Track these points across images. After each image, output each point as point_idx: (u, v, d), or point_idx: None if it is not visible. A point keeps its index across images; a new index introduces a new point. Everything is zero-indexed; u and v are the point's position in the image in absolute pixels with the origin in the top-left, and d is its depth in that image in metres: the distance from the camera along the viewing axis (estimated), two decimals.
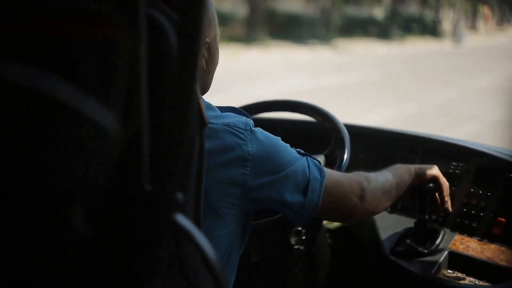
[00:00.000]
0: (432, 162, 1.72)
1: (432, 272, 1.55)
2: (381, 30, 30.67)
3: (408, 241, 1.64)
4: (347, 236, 2.01)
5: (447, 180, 1.56)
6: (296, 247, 1.86)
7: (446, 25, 37.89)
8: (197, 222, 0.71)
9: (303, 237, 1.86)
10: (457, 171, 1.74)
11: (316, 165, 1.25)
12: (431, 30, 35.12)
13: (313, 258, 1.93)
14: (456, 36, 30.65)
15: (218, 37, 1.31)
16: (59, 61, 0.42)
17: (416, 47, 26.20)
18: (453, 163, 1.76)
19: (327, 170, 1.27)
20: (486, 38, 36.62)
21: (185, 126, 0.52)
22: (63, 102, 0.41)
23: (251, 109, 1.86)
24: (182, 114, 0.52)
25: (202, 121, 0.66)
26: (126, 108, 0.48)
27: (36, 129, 0.41)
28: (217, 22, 1.29)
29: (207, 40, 1.25)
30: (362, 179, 1.34)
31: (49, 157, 0.42)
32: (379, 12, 33.01)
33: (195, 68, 0.53)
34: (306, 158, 1.24)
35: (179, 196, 0.54)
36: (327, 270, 2.00)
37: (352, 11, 30.87)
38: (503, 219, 1.57)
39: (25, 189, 0.42)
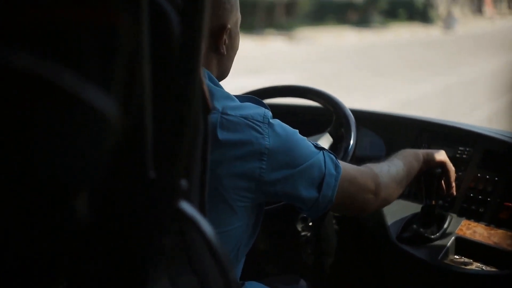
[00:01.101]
0: (438, 146, 1.71)
1: (439, 257, 1.55)
2: (361, 17, 27.34)
3: (414, 226, 1.64)
4: (353, 222, 2.01)
5: (454, 165, 1.55)
6: (302, 233, 1.86)
7: (443, 9, 34.66)
8: (202, 209, 0.71)
9: (310, 224, 1.86)
10: (464, 156, 1.73)
11: (332, 160, 1.24)
12: (422, 15, 31.48)
13: (319, 245, 1.93)
14: (446, 22, 28.22)
15: (239, 22, 1.30)
16: (60, 48, 0.42)
17: (397, 35, 23.52)
18: (460, 148, 1.75)
19: (342, 165, 1.26)
20: (487, 23, 33.74)
21: (188, 112, 0.52)
22: (63, 88, 0.40)
23: (256, 95, 1.84)
24: (186, 100, 0.52)
25: (206, 107, 0.66)
26: (128, 95, 0.47)
27: (37, 116, 0.40)
28: (238, 7, 1.29)
29: (229, 26, 1.25)
30: (376, 174, 1.34)
31: (50, 143, 0.41)
32: None
33: (199, 54, 0.52)
34: (323, 153, 1.23)
35: (183, 182, 0.54)
36: (333, 256, 2.00)
37: None
38: (510, 204, 1.57)
39: (27, 175, 0.41)
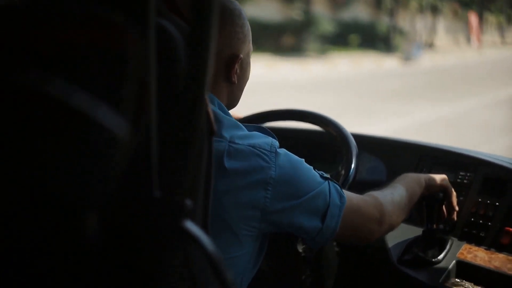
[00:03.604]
0: (439, 171, 1.72)
1: (440, 280, 1.55)
2: (297, 42, 22.36)
3: (415, 249, 1.64)
4: (354, 244, 2.01)
5: (455, 189, 1.56)
6: (303, 255, 1.85)
7: (425, 37, 30.26)
8: (205, 228, 0.71)
9: None
10: (465, 181, 1.74)
11: (337, 190, 1.24)
12: (385, 42, 26.58)
13: (320, 266, 1.93)
14: (406, 51, 23.96)
15: (250, 53, 1.32)
16: (72, 68, 0.43)
17: (331, 68, 18.38)
18: (461, 173, 1.76)
19: (347, 195, 1.26)
20: (473, 53, 29.39)
21: (194, 133, 0.53)
22: (76, 108, 0.42)
23: (258, 119, 1.86)
24: (191, 122, 0.53)
25: (210, 129, 0.67)
26: (136, 115, 0.48)
27: (49, 135, 0.42)
28: (251, 38, 1.31)
29: (241, 56, 1.26)
30: (381, 203, 1.33)
31: (61, 162, 0.42)
32: (299, 16, 23.68)
33: (204, 77, 0.53)
34: (328, 183, 1.23)
35: (188, 202, 0.55)
36: (334, 278, 1.99)
37: (254, 11, 20.89)
38: (511, 229, 1.57)
39: (38, 193, 0.42)
